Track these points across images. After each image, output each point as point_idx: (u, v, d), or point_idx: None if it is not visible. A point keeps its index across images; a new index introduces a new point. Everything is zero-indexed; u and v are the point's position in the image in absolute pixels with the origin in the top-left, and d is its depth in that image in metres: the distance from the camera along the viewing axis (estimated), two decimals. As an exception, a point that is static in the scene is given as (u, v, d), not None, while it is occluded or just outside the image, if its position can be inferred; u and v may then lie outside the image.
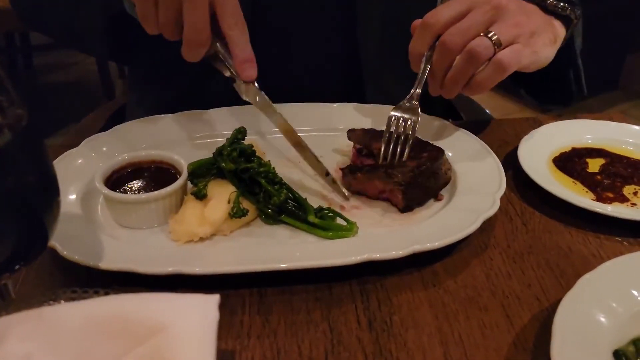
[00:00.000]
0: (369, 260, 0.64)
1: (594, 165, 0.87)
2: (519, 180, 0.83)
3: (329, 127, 0.93)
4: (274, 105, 0.80)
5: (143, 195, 0.72)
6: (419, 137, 0.83)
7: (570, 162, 0.87)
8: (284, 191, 0.73)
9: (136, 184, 0.76)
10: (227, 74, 0.78)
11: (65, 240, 0.64)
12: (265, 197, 0.73)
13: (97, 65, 3.03)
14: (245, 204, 0.72)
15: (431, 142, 0.83)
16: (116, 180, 0.76)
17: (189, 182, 0.76)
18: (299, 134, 0.81)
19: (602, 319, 0.57)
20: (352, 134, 0.86)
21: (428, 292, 0.65)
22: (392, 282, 0.66)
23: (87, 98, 3.24)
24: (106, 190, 0.72)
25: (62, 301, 0.59)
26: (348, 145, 0.87)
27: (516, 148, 0.87)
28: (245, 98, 0.79)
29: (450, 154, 0.86)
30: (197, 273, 0.62)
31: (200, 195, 0.72)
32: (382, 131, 0.82)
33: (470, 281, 0.67)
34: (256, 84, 0.79)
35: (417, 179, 0.76)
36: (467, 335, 0.60)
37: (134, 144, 0.86)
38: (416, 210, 0.77)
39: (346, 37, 0.98)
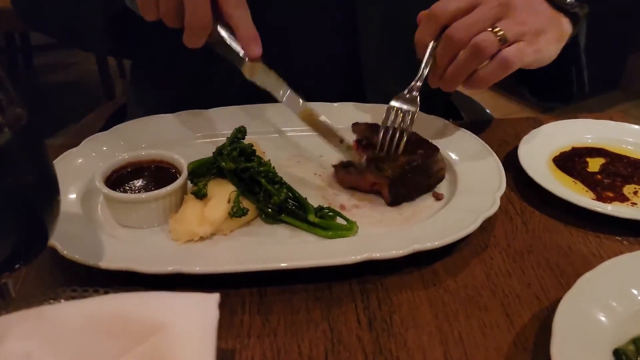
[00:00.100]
0: (369, 259, 0.64)
1: (594, 164, 0.87)
2: (519, 180, 0.83)
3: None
4: (284, 82, 0.78)
5: (143, 195, 0.72)
6: (419, 134, 0.83)
7: (570, 161, 0.87)
8: (284, 190, 0.73)
9: (136, 183, 0.76)
10: (231, 56, 0.76)
11: (65, 240, 0.64)
12: (265, 196, 0.73)
13: (97, 65, 3.03)
14: (245, 203, 0.73)
15: (429, 141, 0.83)
16: (116, 179, 0.76)
17: (189, 182, 0.76)
18: (309, 106, 0.79)
19: (602, 318, 0.57)
20: (355, 127, 0.87)
21: (428, 291, 0.65)
22: (392, 282, 0.66)
23: (87, 98, 3.24)
24: (106, 190, 0.72)
25: (62, 300, 0.59)
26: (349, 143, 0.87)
27: (516, 148, 0.87)
28: (251, 78, 0.77)
29: (450, 154, 0.86)
30: (197, 272, 0.62)
31: (200, 195, 0.72)
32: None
33: (470, 280, 0.67)
34: (263, 62, 0.76)
35: (406, 175, 0.76)
36: (467, 335, 0.60)
37: (134, 144, 0.86)
38: (416, 210, 0.77)
39: (346, 37, 0.98)
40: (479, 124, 0.99)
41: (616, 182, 0.83)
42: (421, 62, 0.81)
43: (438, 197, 0.79)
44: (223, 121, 0.92)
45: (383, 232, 0.73)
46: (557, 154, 0.89)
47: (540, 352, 0.57)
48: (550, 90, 1.00)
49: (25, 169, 0.49)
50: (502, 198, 0.74)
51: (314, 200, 0.75)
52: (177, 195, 0.74)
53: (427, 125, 0.91)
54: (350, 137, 0.86)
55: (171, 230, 0.71)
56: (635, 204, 0.79)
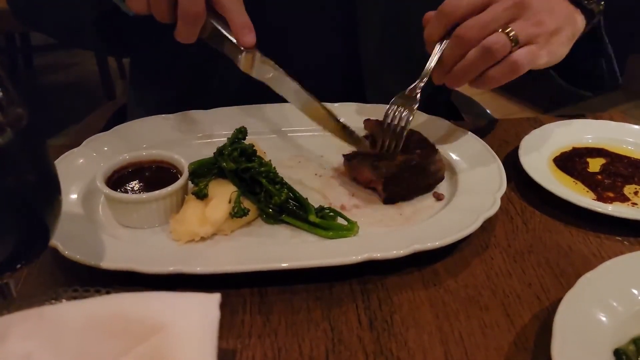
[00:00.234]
0: (370, 259, 0.64)
1: (595, 164, 0.87)
2: (519, 180, 0.83)
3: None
4: (281, 70, 0.77)
5: (144, 195, 0.72)
6: (421, 133, 0.83)
7: (570, 161, 0.87)
8: (284, 191, 0.73)
9: (137, 183, 0.76)
10: (226, 49, 0.75)
11: (66, 240, 0.64)
12: (266, 196, 0.73)
13: (97, 66, 3.03)
14: (246, 203, 0.73)
15: (430, 141, 0.82)
16: (117, 180, 0.76)
17: (189, 182, 0.76)
18: (310, 95, 0.78)
19: (603, 318, 0.57)
20: (367, 123, 0.87)
21: (429, 291, 0.65)
22: (393, 282, 0.66)
23: (87, 98, 3.25)
24: (107, 190, 0.72)
25: (63, 300, 0.59)
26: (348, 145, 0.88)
27: (517, 148, 0.87)
28: (246, 70, 0.76)
29: (451, 154, 0.86)
30: (198, 272, 0.62)
31: (201, 195, 0.72)
32: None
33: (470, 280, 0.67)
34: (259, 52, 0.76)
35: (402, 174, 0.76)
36: (467, 335, 0.60)
37: (135, 144, 0.86)
38: (417, 210, 0.77)
39: (346, 37, 0.98)
40: (480, 124, 0.99)
41: (617, 182, 0.83)
42: (428, 59, 0.79)
43: (438, 197, 0.79)
44: (224, 121, 0.92)
45: (384, 232, 0.73)
46: (558, 154, 0.89)
47: (541, 352, 0.57)
48: (581, 77, 0.98)
49: (27, 169, 0.49)
50: (502, 198, 0.74)
51: (315, 201, 0.76)
52: (178, 195, 0.74)
53: (427, 125, 0.92)
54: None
55: (172, 230, 0.71)
56: (636, 204, 0.79)
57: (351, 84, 1.01)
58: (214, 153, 0.76)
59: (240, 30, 0.73)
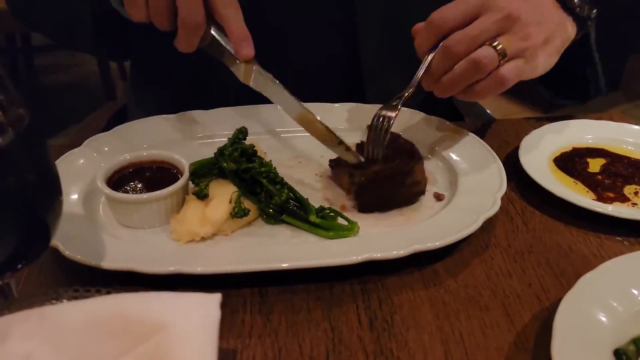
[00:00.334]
0: (370, 259, 0.64)
1: (595, 165, 0.87)
2: (519, 180, 0.83)
3: (330, 127, 0.93)
4: (280, 84, 0.77)
5: (145, 195, 0.72)
6: (420, 135, 0.83)
7: (570, 161, 0.87)
8: (285, 191, 0.73)
9: (138, 183, 0.76)
10: (225, 59, 0.76)
11: (67, 240, 0.64)
12: (267, 197, 0.73)
13: (98, 67, 3.03)
14: (247, 203, 0.73)
15: (418, 151, 0.80)
16: (118, 180, 0.76)
17: (190, 182, 0.76)
18: (306, 108, 0.78)
19: (603, 318, 0.57)
20: (368, 128, 0.85)
21: (429, 291, 0.65)
22: (393, 282, 0.67)
23: (88, 99, 3.25)
24: (108, 190, 0.72)
25: (64, 300, 0.59)
26: (349, 144, 0.88)
27: (517, 148, 0.87)
28: (245, 81, 0.77)
29: (451, 154, 0.86)
30: (199, 272, 0.63)
31: (202, 195, 0.72)
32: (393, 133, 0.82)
33: (471, 280, 0.67)
34: (258, 64, 0.76)
35: (374, 184, 0.75)
36: (467, 335, 0.60)
37: (136, 144, 0.86)
38: (416, 210, 0.77)
39: (346, 37, 0.98)
40: (480, 124, 0.99)
41: (617, 182, 0.83)
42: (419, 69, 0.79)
43: (439, 197, 0.79)
44: (224, 122, 0.92)
45: (384, 232, 0.73)
46: (558, 154, 0.89)
47: (541, 352, 0.57)
48: (566, 88, 0.98)
49: (27, 169, 0.49)
50: (502, 198, 0.74)
51: (315, 201, 0.76)
52: (178, 195, 0.74)
53: (427, 126, 0.92)
54: (352, 138, 0.87)
55: (172, 230, 0.71)
56: (636, 204, 0.79)
57: (351, 84, 1.01)
58: (214, 153, 0.76)
59: (238, 43, 0.74)
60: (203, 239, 0.71)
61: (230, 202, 0.72)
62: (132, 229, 0.73)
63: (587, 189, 0.82)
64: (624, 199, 0.80)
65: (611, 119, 1.00)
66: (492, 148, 0.85)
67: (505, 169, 0.80)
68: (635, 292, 0.60)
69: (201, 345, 0.49)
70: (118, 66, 3.33)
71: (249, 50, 0.74)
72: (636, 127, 0.95)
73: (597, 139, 0.93)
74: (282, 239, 0.72)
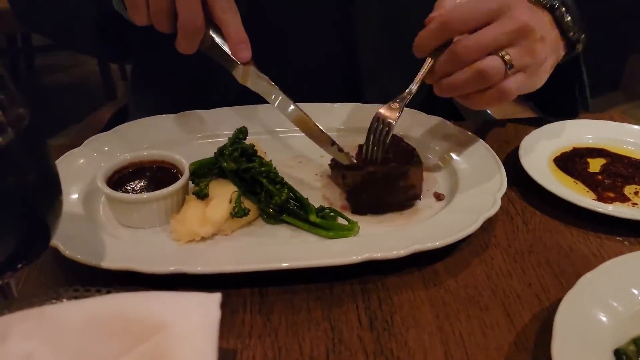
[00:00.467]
0: (370, 259, 0.64)
1: (595, 165, 0.87)
2: (519, 180, 0.83)
3: (330, 127, 0.93)
4: (276, 86, 0.79)
5: (145, 195, 0.72)
6: (420, 135, 0.83)
7: (571, 161, 0.87)
8: (285, 191, 0.73)
9: (138, 183, 0.76)
10: (224, 61, 0.77)
11: (67, 240, 0.64)
12: (267, 196, 0.73)
13: (98, 67, 3.03)
14: (247, 203, 0.73)
15: (418, 156, 0.79)
16: (118, 180, 0.76)
17: (190, 182, 0.76)
18: (301, 110, 0.79)
19: (603, 318, 0.57)
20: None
21: (429, 291, 0.65)
22: (393, 282, 0.67)
23: (88, 98, 3.25)
24: (108, 190, 0.72)
25: (64, 300, 0.59)
26: (349, 145, 0.88)
27: (517, 148, 0.87)
28: (243, 82, 0.78)
29: (451, 154, 0.86)
30: (199, 272, 0.63)
31: (202, 195, 0.72)
32: (395, 136, 0.82)
33: (471, 280, 0.67)
34: (255, 67, 0.77)
35: (366, 186, 0.75)
36: (468, 335, 0.60)
37: (136, 144, 0.86)
38: (417, 210, 0.77)
39: (345, 37, 0.98)
40: (480, 124, 0.99)
41: (617, 182, 0.83)
42: (421, 66, 0.77)
43: (438, 197, 0.79)
44: (224, 121, 0.92)
45: (384, 232, 0.73)
46: (558, 154, 0.89)
47: (541, 352, 0.57)
48: (555, 104, 0.98)
49: (28, 169, 0.49)
50: (502, 198, 0.74)
51: (315, 201, 0.76)
52: (178, 195, 0.74)
53: (427, 125, 0.92)
54: (347, 143, 0.87)
55: (173, 230, 0.71)
56: (636, 204, 0.79)
57: (351, 84, 1.01)
58: (214, 153, 0.76)
59: (236, 46, 0.75)
60: (203, 238, 0.71)
61: (230, 202, 0.72)
62: (132, 229, 0.73)
63: (587, 189, 0.82)
64: (624, 199, 0.80)
65: (611, 119, 1.00)
66: (492, 148, 0.85)
67: (505, 169, 0.80)
68: (635, 292, 0.60)
69: (201, 345, 0.49)
70: (118, 66, 3.34)
71: (246, 53, 0.76)
72: (636, 127, 0.95)
73: (597, 139, 0.93)
74: (282, 239, 0.72)
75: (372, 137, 0.77)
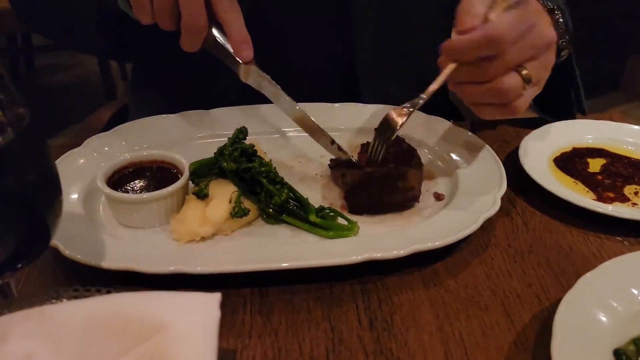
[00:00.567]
0: (370, 259, 0.64)
1: (595, 165, 0.87)
2: (519, 180, 0.83)
3: (330, 127, 0.92)
4: (277, 85, 0.79)
5: (145, 195, 0.72)
6: (420, 135, 0.83)
7: (571, 161, 0.87)
8: (285, 191, 0.73)
9: (138, 183, 0.76)
10: (226, 59, 0.78)
11: (67, 240, 0.64)
12: (267, 196, 0.73)
13: (98, 67, 3.03)
14: (247, 203, 0.73)
15: (418, 158, 0.79)
16: (118, 180, 0.76)
17: (190, 182, 0.76)
18: (304, 111, 0.81)
19: (603, 318, 0.57)
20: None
21: (429, 291, 0.65)
22: (393, 282, 0.67)
23: (88, 98, 3.25)
24: (108, 190, 0.72)
25: (64, 300, 0.59)
26: (349, 145, 0.88)
27: (517, 148, 0.87)
28: (245, 80, 0.79)
29: (451, 154, 0.86)
30: (199, 272, 0.63)
31: (202, 195, 0.72)
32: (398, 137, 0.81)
33: (471, 280, 0.67)
34: (256, 66, 0.78)
35: (365, 186, 0.75)
36: (467, 335, 0.60)
37: (136, 144, 0.86)
38: (416, 210, 0.77)
39: (344, 37, 0.98)
40: (480, 124, 0.99)
41: (617, 182, 0.83)
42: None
43: (438, 197, 0.79)
44: (224, 121, 0.92)
45: (384, 232, 0.73)
46: (558, 154, 0.89)
47: (541, 352, 0.57)
48: (552, 106, 0.98)
49: (28, 169, 0.49)
50: (502, 198, 0.74)
51: (315, 201, 0.76)
52: (178, 195, 0.74)
53: (427, 125, 0.92)
54: (347, 143, 0.87)
55: (172, 230, 0.72)
56: (636, 204, 0.79)
57: (351, 84, 1.01)
58: (214, 153, 0.76)
59: (238, 46, 0.76)
60: (203, 238, 0.71)
61: (230, 202, 0.72)
62: (132, 229, 0.73)
63: (587, 189, 0.82)
64: (624, 199, 0.80)
65: (611, 119, 1.00)
66: (492, 148, 0.85)
67: (505, 169, 0.80)
68: (635, 292, 0.60)
69: (201, 345, 0.49)
70: (118, 66, 3.34)
71: (248, 52, 0.77)
72: (636, 127, 0.95)
73: (597, 139, 0.93)
74: (282, 239, 0.72)
75: (376, 137, 0.77)
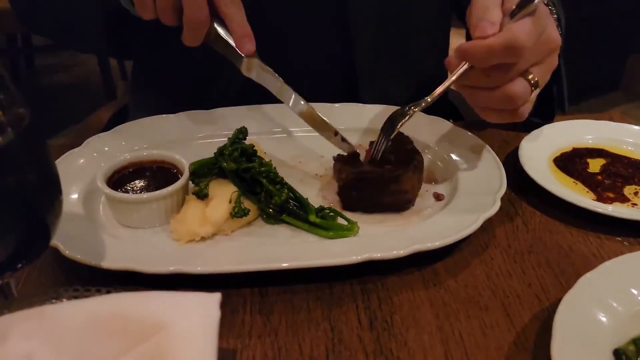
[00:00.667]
0: (370, 259, 0.64)
1: (595, 165, 0.87)
2: (519, 180, 0.83)
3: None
4: (279, 78, 0.80)
5: (145, 195, 0.72)
6: (421, 135, 0.82)
7: (570, 162, 0.87)
8: (285, 191, 0.73)
9: (138, 183, 0.76)
10: (229, 53, 0.78)
11: (67, 240, 0.64)
12: (267, 196, 0.73)
13: (98, 67, 3.03)
14: (247, 203, 0.73)
15: (418, 161, 0.78)
16: (118, 180, 0.76)
17: (190, 182, 0.76)
18: (308, 103, 0.81)
19: (603, 318, 0.57)
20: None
21: (429, 291, 0.65)
22: (393, 282, 0.67)
23: (88, 98, 3.25)
24: (108, 190, 0.72)
25: (64, 300, 0.59)
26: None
27: (517, 148, 0.87)
28: (248, 74, 0.79)
29: (451, 154, 0.86)
30: (199, 272, 0.63)
31: (202, 195, 0.72)
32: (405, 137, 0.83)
33: (471, 280, 0.67)
34: (259, 59, 0.78)
35: (357, 184, 0.75)
36: (467, 335, 0.60)
37: (136, 144, 0.86)
38: (416, 210, 0.77)
39: (342, 37, 0.98)
40: (480, 124, 0.99)
41: (617, 182, 0.83)
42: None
43: (438, 197, 0.79)
44: (224, 121, 0.92)
45: (384, 232, 0.73)
46: (558, 154, 0.89)
47: (541, 352, 0.57)
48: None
49: (28, 169, 0.49)
50: (502, 198, 0.74)
51: (315, 201, 0.76)
52: (178, 195, 0.74)
53: (427, 125, 0.92)
54: (352, 138, 0.87)
55: (172, 230, 0.72)
56: (636, 204, 0.79)
57: (351, 84, 1.01)
58: (214, 153, 0.76)
59: (240, 40, 0.76)
60: (203, 238, 0.71)
61: (230, 202, 0.72)
62: (132, 229, 0.73)
63: (587, 189, 0.82)
64: (624, 199, 0.80)
65: (611, 119, 1.00)
66: (492, 148, 0.85)
67: (505, 169, 0.80)
68: (635, 292, 0.60)
69: (201, 345, 0.49)
70: (118, 66, 3.34)
71: (250, 46, 0.77)
72: (636, 127, 0.95)
73: (597, 139, 0.93)
74: (282, 239, 0.72)
75: (380, 137, 0.78)
